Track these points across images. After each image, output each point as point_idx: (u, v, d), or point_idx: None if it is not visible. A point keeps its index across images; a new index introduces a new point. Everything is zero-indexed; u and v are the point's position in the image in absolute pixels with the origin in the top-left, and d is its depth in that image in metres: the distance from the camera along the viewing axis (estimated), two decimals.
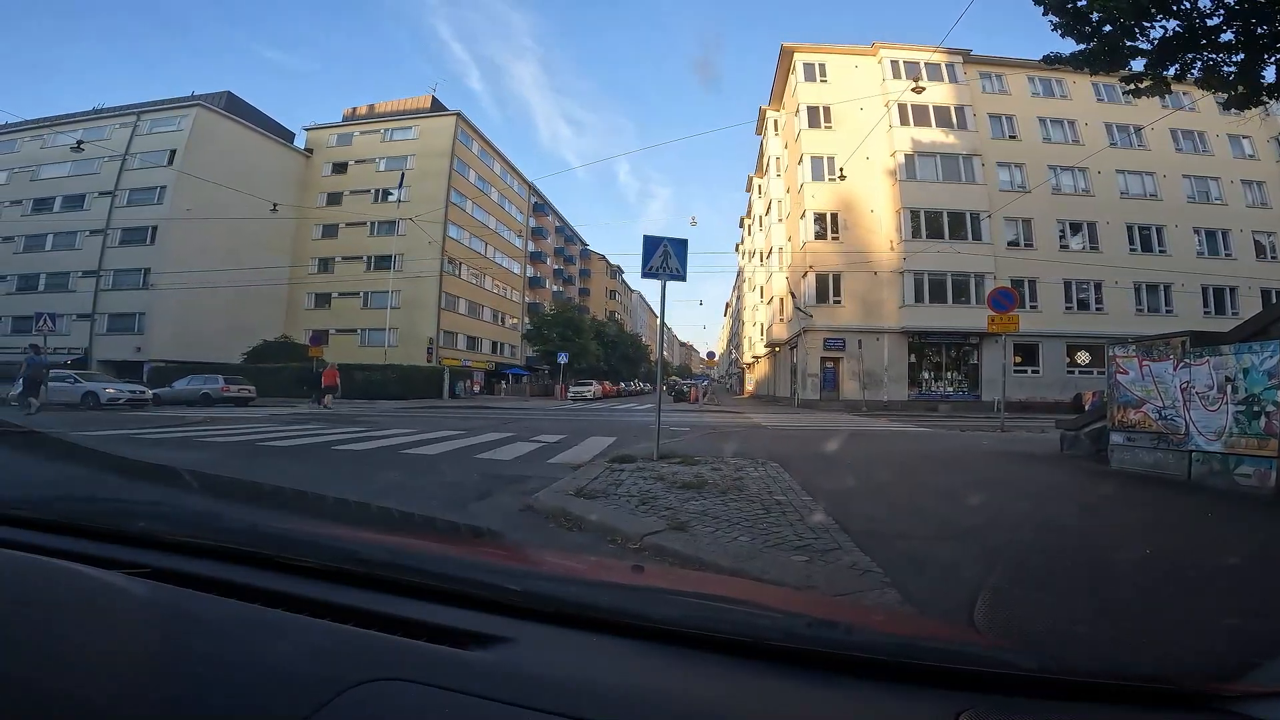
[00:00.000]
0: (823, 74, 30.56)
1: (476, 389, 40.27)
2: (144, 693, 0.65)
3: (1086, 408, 13.99)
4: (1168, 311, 27.60)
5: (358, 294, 41.84)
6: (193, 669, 0.69)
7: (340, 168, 45.27)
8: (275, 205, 31.77)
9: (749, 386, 57.20)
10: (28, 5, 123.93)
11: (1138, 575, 3.22)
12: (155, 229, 36.03)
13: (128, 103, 40.33)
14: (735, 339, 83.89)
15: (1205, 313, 27.48)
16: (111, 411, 18.03)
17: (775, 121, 36.98)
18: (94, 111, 40.31)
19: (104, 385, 20.32)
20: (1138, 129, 26.42)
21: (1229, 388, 5.87)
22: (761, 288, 44.13)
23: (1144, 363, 6.92)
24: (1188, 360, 6.37)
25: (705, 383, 44.48)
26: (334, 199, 44.47)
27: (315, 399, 22.16)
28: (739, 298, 75.20)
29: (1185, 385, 6.37)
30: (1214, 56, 8.05)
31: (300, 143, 46.59)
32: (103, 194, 37.42)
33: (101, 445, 6.37)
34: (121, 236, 36.89)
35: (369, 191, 43.60)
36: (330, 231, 43.76)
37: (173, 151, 36.49)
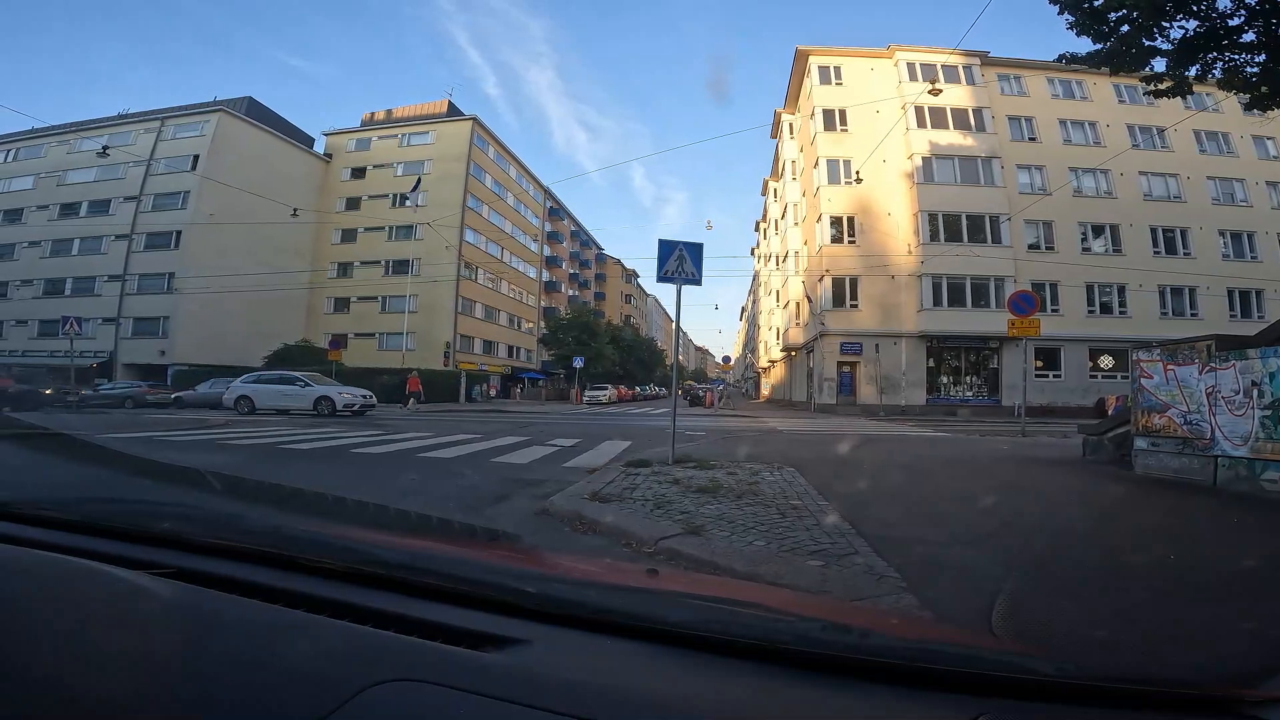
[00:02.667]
0: (838, 77, 30.36)
1: (492, 393, 40.54)
2: (168, 691, 0.66)
3: (1109, 412, 13.82)
4: (1192, 315, 27.07)
5: (376, 298, 42.19)
6: (215, 668, 0.70)
7: (359, 172, 45.73)
8: (295, 210, 32.07)
9: (765, 391, 56.94)
10: (43, 6, 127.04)
11: (1159, 580, 3.17)
12: (179, 234, 36.59)
13: (151, 108, 41.11)
14: (751, 343, 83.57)
15: (1231, 316, 26.92)
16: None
17: (790, 125, 36.75)
18: (119, 117, 41.02)
19: (339, 390, 18.86)
20: (1160, 130, 26.06)
21: (1255, 392, 5.76)
22: (777, 292, 43.92)
23: (1169, 367, 6.81)
24: (1213, 364, 6.26)
25: (720, 387, 44.32)
26: (352, 203, 44.86)
27: (404, 404, 24.49)
28: (754, 302, 74.86)
29: (1211, 390, 6.26)
30: (1236, 57, 7.96)
31: (319, 147, 47.08)
32: (128, 199, 38.03)
33: (125, 447, 6.48)
34: (146, 241, 37.51)
35: (387, 196, 43.88)
36: (349, 236, 44.11)
37: (196, 156, 37.05)
